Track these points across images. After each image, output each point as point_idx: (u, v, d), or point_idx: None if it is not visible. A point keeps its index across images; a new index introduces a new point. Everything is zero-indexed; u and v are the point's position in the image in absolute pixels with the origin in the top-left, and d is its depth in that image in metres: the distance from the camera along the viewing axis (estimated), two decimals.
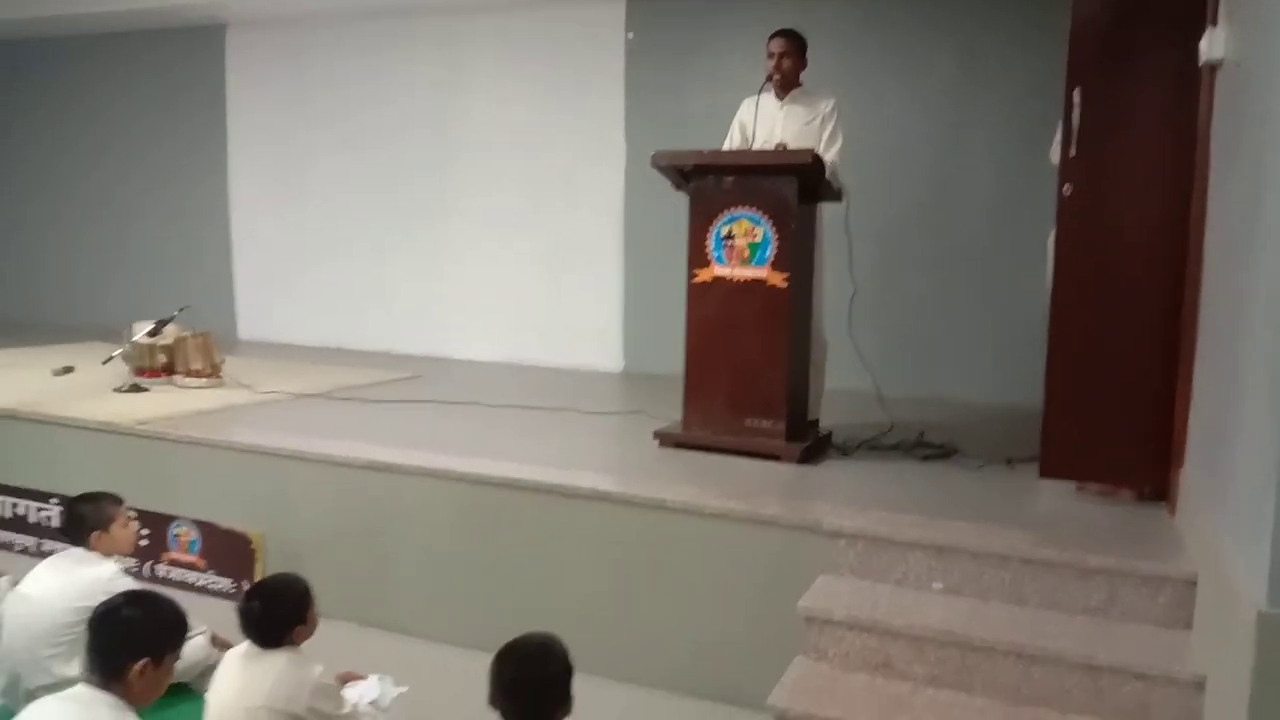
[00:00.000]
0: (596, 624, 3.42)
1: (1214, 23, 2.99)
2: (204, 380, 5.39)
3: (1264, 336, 2.08)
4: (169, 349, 5.49)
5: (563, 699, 2.13)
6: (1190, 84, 3.21)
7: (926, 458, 4.14)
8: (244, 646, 2.58)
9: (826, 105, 4.36)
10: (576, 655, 2.20)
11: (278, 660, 2.53)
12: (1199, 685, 2.49)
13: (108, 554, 3.23)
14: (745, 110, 4.50)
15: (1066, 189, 3.38)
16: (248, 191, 7.99)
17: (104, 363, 5.38)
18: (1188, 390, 3.17)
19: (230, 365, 5.66)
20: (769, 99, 4.43)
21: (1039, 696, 2.66)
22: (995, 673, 2.70)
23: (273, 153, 7.83)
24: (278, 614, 2.57)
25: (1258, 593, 1.95)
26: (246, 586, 4.00)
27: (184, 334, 5.51)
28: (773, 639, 3.04)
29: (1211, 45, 2.96)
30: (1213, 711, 2.37)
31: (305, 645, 2.63)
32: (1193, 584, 2.73)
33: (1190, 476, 3.09)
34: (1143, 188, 3.34)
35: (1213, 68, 3.05)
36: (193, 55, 7.99)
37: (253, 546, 4.00)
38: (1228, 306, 2.60)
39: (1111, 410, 3.37)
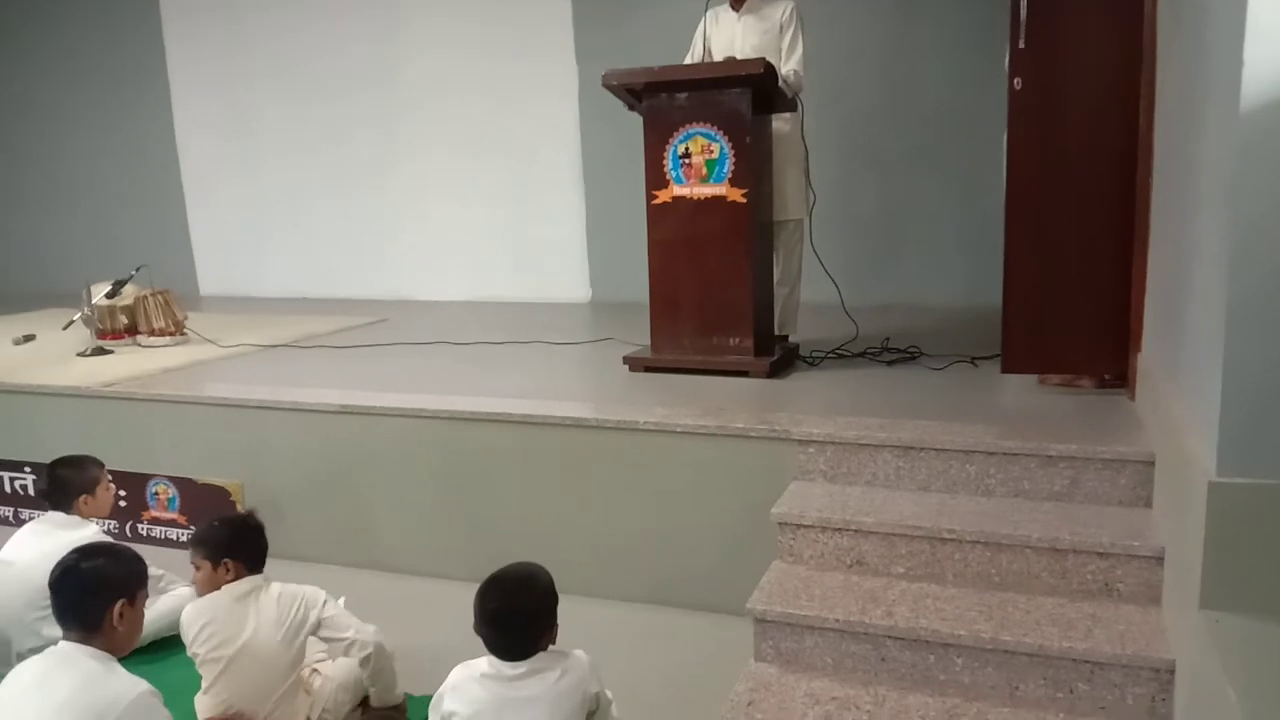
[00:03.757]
0: (580, 547, 3.49)
1: None
2: (168, 338, 5.34)
3: (1213, 211, 2.11)
4: (130, 309, 5.42)
5: (547, 627, 2.17)
6: None
7: (892, 363, 4.20)
8: (224, 594, 2.56)
9: (784, 12, 4.25)
10: (562, 578, 2.24)
11: (269, 588, 2.58)
12: (1159, 559, 2.58)
13: (91, 517, 3.24)
14: (708, 23, 4.41)
15: (1016, 83, 3.36)
16: (197, 147, 7.85)
17: (64, 328, 5.31)
18: (1143, 274, 3.21)
19: (194, 321, 5.60)
20: (727, 12, 4.35)
21: (1008, 582, 2.74)
22: (965, 562, 2.78)
23: (218, 107, 7.68)
24: (264, 539, 2.67)
25: (1208, 463, 2.01)
26: None
27: (143, 293, 5.43)
28: (750, 547, 3.11)
29: None
30: (1171, 581, 2.46)
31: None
32: (1151, 463, 2.81)
33: (1148, 358, 3.15)
34: (1092, 76, 3.33)
35: None
36: (126, 8, 7.76)
37: (232, 498, 4.02)
38: (1178, 186, 2.62)
39: (1069, 302, 3.41)
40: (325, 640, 2.65)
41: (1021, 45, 3.32)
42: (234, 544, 2.61)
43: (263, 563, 2.65)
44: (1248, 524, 1.94)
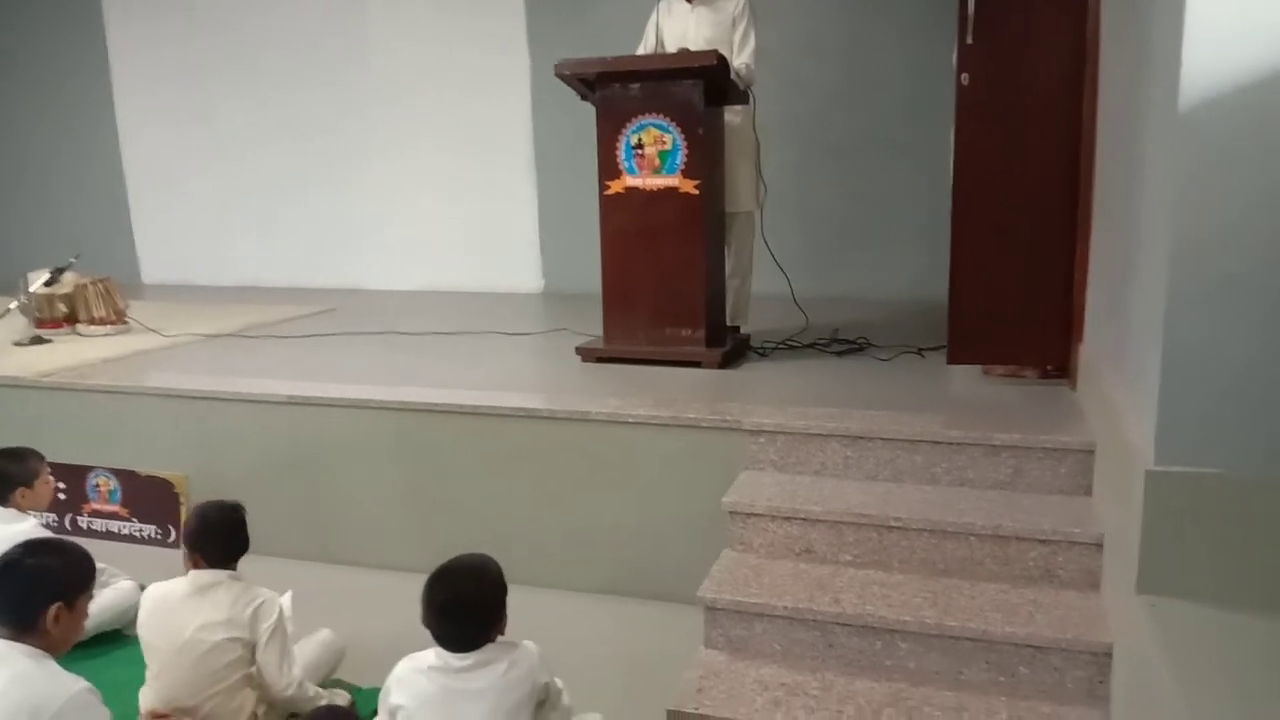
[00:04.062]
0: (533, 538, 3.48)
1: None
2: (109, 327, 5.22)
3: (1154, 204, 2.16)
4: (69, 298, 5.28)
5: (495, 619, 2.15)
6: None
7: (841, 354, 4.24)
8: (186, 580, 2.52)
9: (737, 5, 4.25)
10: (515, 569, 2.23)
11: (231, 586, 2.52)
12: (1098, 546, 2.64)
13: (29, 510, 3.16)
14: (661, 14, 4.40)
15: (964, 78, 3.41)
16: (140, 134, 7.68)
17: None
18: (1085, 266, 3.28)
19: (136, 310, 5.47)
20: (680, 3, 4.34)
21: (952, 569, 2.79)
22: (911, 549, 2.83)
23: (162, 99, 7.53)
24: (239, 535, 2.59)
25: (1146, 452, 2.06)
26: (172, 532, 3.98)
27: (83, 281, 5.30)
28: (701, 536, 3.12)
29: None
30: (1110, 567, 2.52)
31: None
32: (1091, 453, 2.87)
33: (1089, 349, 3.22)
34: (1039, 70, 3.38)
35: None
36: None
37: (176, 490, 3.94)
38: (1120, 179, 2.68)
39: (1013, 294, 3.47)
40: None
41: (969, 40, 3.36)
42: (197, 535, 2.56)
43: (232, 559, 2.57)
44: (1184, 511, 1.99)
